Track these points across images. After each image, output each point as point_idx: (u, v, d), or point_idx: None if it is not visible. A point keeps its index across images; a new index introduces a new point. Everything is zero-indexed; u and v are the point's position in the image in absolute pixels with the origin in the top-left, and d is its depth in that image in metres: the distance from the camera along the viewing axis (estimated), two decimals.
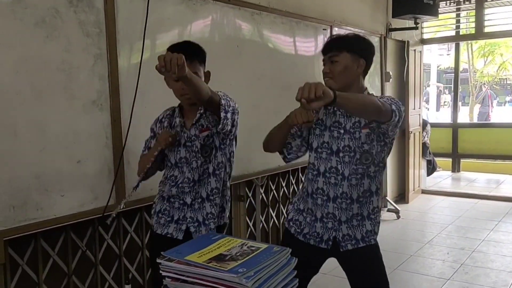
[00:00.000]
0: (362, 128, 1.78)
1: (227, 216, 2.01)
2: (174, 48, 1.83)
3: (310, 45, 3.85)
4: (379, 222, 1.89)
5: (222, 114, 1.76)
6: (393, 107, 1.66)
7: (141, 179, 1.97)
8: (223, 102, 1.76)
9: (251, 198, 3.52)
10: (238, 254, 1.22)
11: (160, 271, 1.23)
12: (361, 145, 1.78)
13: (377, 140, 1.80)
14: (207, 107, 1.83)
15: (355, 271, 1.89)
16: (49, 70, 2.07)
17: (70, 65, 2.15)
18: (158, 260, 1.23)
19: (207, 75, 1.91)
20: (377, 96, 1.71)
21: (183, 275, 1.20)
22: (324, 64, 1.86)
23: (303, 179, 1.99)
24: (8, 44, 1.93)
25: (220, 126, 1.78)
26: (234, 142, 1.98)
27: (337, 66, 1.79)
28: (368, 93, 1.88)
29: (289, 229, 1.94)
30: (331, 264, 1.98)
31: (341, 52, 1.78)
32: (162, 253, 1.25)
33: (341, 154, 1.79)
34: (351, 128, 1.79)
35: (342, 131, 1.80)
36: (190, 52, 1.78)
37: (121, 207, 2.04)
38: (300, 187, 1.97)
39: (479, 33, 6.03)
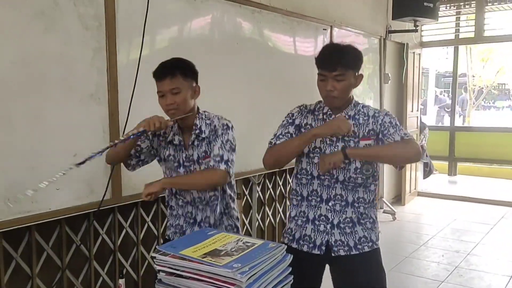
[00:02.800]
0: (361, 139, 1.76)
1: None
2: (157, 69, 1.80)
3: (310, 45, 3.85)
4: (373, 231, 1.84)
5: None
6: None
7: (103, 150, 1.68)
8: (228, 180, 1.82)
9: (247, 196, 3.52)
10: (233, 249, 1.22)
11: (155, 265, 1.22)
12: None
13: None
14: None
15: (345, 278, 1.84)
16: (47, 62, 2.06)
17: (68, 57, 2.14)
18: (152, 254, 1.22)
19: (196, 89, 1.84)
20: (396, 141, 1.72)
21: (178, 270, 1.19)
22: (321, 80, 1.75)
23: (295, 187, 1.93)
24: (6, 35, 1.92)
25: None
26: None
27: (343, 85, 1.73)
28: (355, 101, 1.83)
29: (283, 241, 1.92)
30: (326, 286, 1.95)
31: (347, 71, 1.72)
32: (157, 247, 1.25)
33: None
34: (344, 136, 1.76)
35: (334, 138, 1.77)
36: (171, 69, 1.77)
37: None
38: (290, 197, 1.94)
39: (478, 37, 6.04)
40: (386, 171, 5.49)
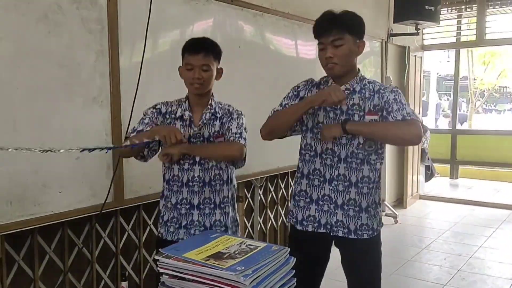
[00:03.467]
0: (367, 114, 1.73)
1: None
2: (191, 43, 1.90)
3: (312, 48, 3.84)
4: (377, 217, 1.83)
5: (239, 163, 1.94)
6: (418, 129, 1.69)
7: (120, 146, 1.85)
8: (244, 154, 1.87)
9: (249, 199, 3.51)
10: (236, 252, 1.22)
11: (158, 268, 1.22)
12: None
13: None
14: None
15: (347, 260, 1.87)
16: (51, 66, 2.07)
17: (71, 61, 2.14)
18: (156, 257, 1.22)
19: (220, 71, 1.94)
20: (399, 120, 1.68)
21: (181, 272, 1.19)
22: (322, 49, 1.71)
23: (298, 163, 1.92)
24: (10, 38, 1.93)
25: (236, 165, 1.97)
26: None
27: (342, 50, 1.67)
28: (361, 75, 1.80)
29: (289, 222, 1.94)
30: (329, 267, 1.96)
31: (344, 35, 1.66)
32: (160, 250, 1.25)
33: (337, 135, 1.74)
34: (348, 110, 1.75)
35: (338, 111, 1.76)
36: (206, 46, 1.88)
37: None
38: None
39: (480, 40, 6.05)
40: (388, 174, 5.49)
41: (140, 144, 1.75)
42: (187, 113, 1.91)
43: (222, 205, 1.93)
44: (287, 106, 1.83)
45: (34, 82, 2.02)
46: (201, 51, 1.83)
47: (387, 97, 1.73)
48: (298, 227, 1.85)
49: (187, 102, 1.94)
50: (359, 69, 1.80)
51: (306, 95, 1.83)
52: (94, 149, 1.64)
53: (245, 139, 1.88)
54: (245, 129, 1.92)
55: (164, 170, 1.97)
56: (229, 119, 1.92)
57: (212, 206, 1.91)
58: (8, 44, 1.92)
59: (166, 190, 1.96)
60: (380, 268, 1.88)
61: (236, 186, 2.04)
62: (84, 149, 1.61)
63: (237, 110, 1.96)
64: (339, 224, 1.78)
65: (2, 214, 1.93)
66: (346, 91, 1.74)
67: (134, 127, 1.94)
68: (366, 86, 1.77)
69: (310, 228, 1.82)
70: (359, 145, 1.74)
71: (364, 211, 1.78)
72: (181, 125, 1.91)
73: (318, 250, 1.87)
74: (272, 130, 1.85)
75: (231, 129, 1.89)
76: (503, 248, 4.32)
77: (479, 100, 14.90)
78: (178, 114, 1.92)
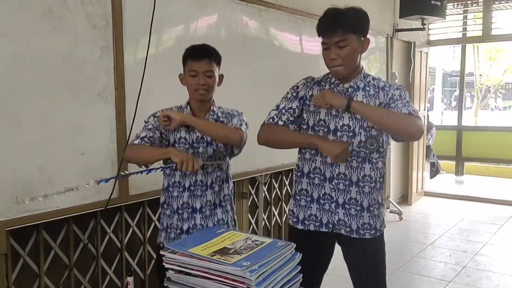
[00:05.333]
0: None
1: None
2: (193, 49, 1.90)
3: (316, 44, 3.80)
4: (380, 217, 1.80)
5: (237, 151, 1.95)
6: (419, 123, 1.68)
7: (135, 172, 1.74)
8: (243, 142, 1.89)
9: (254, 195, 3.51)
10: (242, 248, 1.22)
11: (164, 263, 1.22)
12: (368, 128, 1.71)
13: None
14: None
15: (350, 260, 1.85)
16: (55, 62, 2.07)
17: (76, 57, 2.14)
18: (161, 252, 1.22)
19: (221, 78, 1.94)
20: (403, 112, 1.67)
21: (186, 268, 1.19)
22: (325, 49, 1.69)
23: (298, 162, 1.92)
24: (15, 34, 1.92)
25: (234, 155, 1.98)
26: None
27: (346, 51, 1.65)
28: (365, 72, 1.78)
29: (289, 222, 1.91)
30: (333, 263, 1.95)
31: (348, 35, 1.63)
32: (166, 245, 1.25)
33: (338, 133, 1.72)
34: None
35: (340, 110, 1.71)
36: (209, 52, 1.87)
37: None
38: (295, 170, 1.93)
39: (486, 36, 6.00)
40: (393, 171, 5.47)
41: (155, 169, 1.74)
42: None
43: (223, 204, 1.95)
44: (283, 111, 1.80)
45: (38, 78, 2.01)
46: (205, 57, 1.85)
47: (392, 94, 1.72)
48: (299, 226, 1.83)
49: (188, 107, 1.94)
50: (362, 67, 1.78)
51: (306, 94, 1.80)
52: (110, 179, 1.63)
53: (245, 128, 1.91)
54: (246, 124, 1.94)
55: (165, 178, 1.96)
56: (230, 118, 1.94)
57: (212, 207, 1.93)
58: (12, 39, 1.92)
59: (166, 197, 1.95)
60: (385, 269, 1.86)
61: (232, 186, 2.04)
62: (100, 181, 1.58)
63: (237, 111, 1.99)
64: (341, 223, 1.76)
65: (8, 209, 1.94)
66: (350, 89, 1.75)
67: (137, 133, 1.91)
68: (370, 83, 1.75)
69: (312, 227, 1.80)
70: (360, 143, 1.71)
71: (366, 210, 1.76)
72: (186, 130, 1.89)
73: (321, 248, 1.85)
74: (272, 144, 1.86)
75: (231, 121, 1.92)
76: (508, 244, 4.30)
77: (487, 96, 14.81)
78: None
